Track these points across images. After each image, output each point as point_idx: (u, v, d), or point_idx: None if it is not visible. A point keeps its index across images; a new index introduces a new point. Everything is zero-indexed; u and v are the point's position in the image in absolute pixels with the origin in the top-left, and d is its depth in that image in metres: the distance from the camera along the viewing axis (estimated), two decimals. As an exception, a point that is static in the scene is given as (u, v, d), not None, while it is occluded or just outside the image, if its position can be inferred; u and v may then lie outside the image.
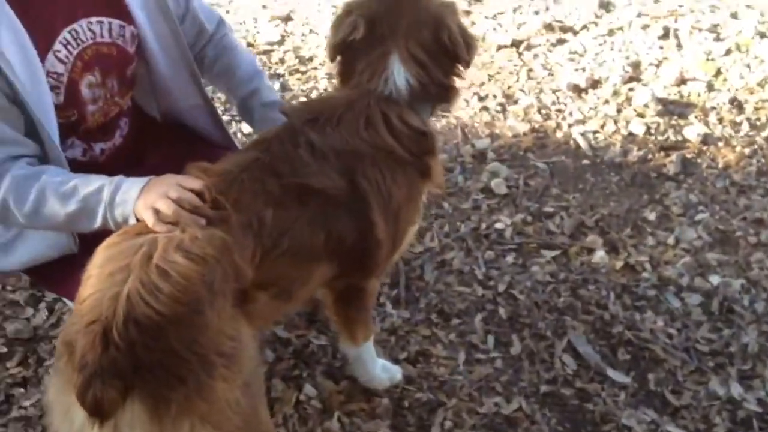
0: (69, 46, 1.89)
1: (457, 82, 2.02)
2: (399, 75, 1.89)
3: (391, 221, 1.95)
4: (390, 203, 1.92)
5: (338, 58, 1.99)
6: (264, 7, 4.71)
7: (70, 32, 1.89)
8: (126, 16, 1.99)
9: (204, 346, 1.50)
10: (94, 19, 1.94)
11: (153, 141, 2.28)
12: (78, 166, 1.97)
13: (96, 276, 1.55)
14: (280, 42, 4.34)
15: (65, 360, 1.51)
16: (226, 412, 1.53)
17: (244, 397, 1.58)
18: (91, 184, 1.79)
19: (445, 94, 2.01)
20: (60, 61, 1.88)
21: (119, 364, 1.42)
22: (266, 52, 4.23)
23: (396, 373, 2.40)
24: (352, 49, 1.93)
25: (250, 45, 4.29)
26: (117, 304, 1.46)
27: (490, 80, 4.03)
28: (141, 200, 1.71)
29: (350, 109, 1.88)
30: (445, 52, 1.93)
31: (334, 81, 2.03)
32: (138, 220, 1.71)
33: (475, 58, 2.01)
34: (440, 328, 2.61)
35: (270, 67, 4.11)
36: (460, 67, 1.99)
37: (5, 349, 2.50)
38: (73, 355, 1.47)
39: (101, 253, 1.61)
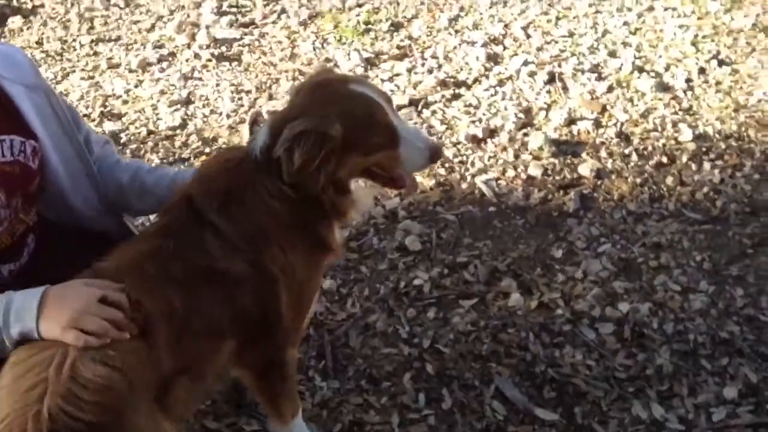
0: None
1: None
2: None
3: (295, 293, 2.02)
4: (294, 276, 1.99)
5: None
6: (162, 92, 4.75)
7: None
8: (26, 131, 1.98)
9: None
10: None
11: (60, 251, 2.20)
12: None
13: (11, 394, 1.50)
14: (182, 126, 4.37)
15: None
16: None
17: None
18: None
19: None
20: None
21: None
22: (169, 138, 4.25)
23: None
24: None
25: (151, 132, 4.31)
26: (40, 423, 1.42)
27: (392, 140, 4.14)
28: (52, 319, 1.62)
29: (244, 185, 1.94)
30: None
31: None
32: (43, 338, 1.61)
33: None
34: (371, 393, 2.63)
35: (174, 152, 4.12)
36: None
37: None
38: None
39: (9, 371, 1.56)
